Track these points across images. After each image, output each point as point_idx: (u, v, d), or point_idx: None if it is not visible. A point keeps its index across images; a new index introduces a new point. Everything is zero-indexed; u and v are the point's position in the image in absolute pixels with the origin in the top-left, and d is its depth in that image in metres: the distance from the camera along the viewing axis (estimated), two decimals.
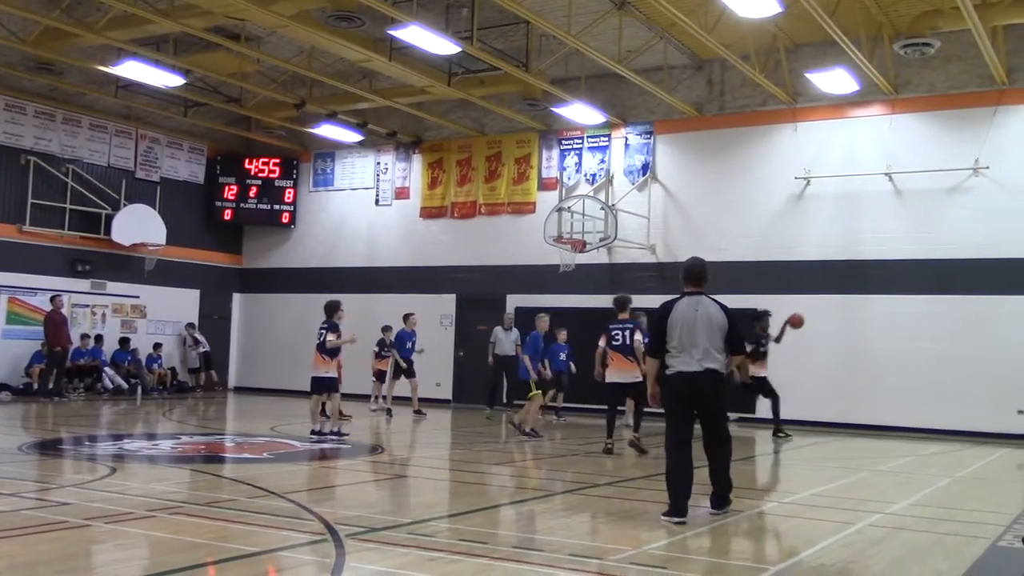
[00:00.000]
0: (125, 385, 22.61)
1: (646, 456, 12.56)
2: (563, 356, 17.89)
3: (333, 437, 13.63)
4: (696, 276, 8.14)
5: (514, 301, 22.21)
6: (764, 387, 15.87)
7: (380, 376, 19.50)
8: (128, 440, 13.58)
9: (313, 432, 13.73)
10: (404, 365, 18.51)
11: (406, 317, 18.93)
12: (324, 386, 13.95)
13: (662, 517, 7.65)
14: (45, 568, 5.69)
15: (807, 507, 9.30)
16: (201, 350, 24.52)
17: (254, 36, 19.44)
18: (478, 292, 22.74)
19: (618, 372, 12.89)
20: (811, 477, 12.14)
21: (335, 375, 14.03)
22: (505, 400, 20.11)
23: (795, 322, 15.64)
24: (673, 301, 8.08)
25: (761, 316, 16.20)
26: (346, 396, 22.42)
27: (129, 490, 8.80)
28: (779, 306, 19.01)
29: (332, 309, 13.86)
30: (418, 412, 18.55)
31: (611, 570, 5.96)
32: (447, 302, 23.20)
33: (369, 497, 9.55)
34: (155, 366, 23.61)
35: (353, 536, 6.67)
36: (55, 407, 18.76)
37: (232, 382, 26.25)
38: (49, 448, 12.52)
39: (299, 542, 6.54)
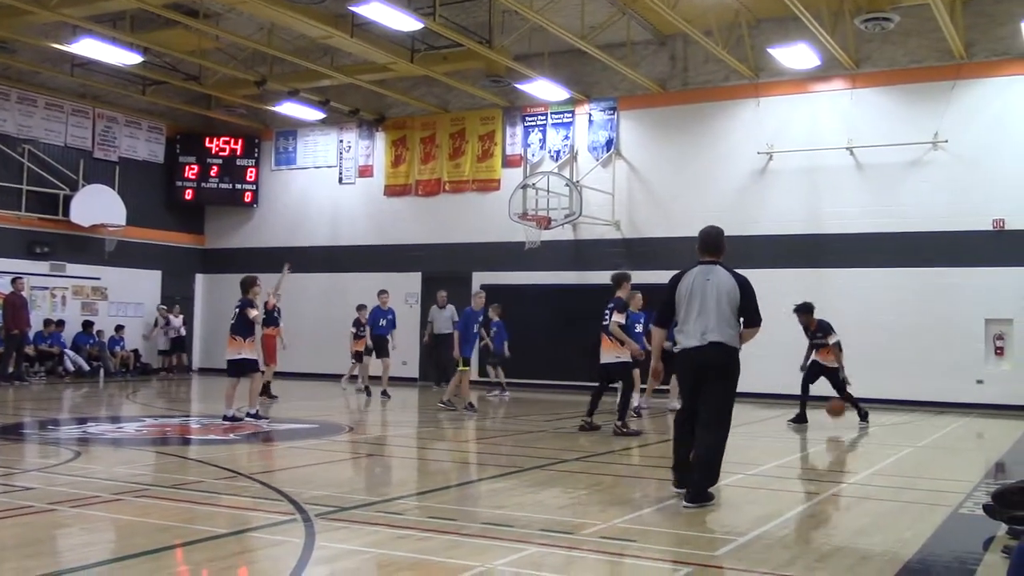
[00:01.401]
0: (87, 367, 22.36)
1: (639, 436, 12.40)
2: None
3: (250, 420, 13.04)
4: (711, 245, 7.67)
5: (480, 278, 22.18)
6: None
7: (359, 356, 19.29)
8: (92, 423, 13.44)
9: (225, 417, 12.90)
10: (371, 344, 18.46)
11: (380, 294, 18.77)
12: (240, 368, 13.16)
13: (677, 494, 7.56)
14: (11, 552, 5.63)
15: (772, 479, 9.41)
16: (172, 335, 24.33)
17: (213, 12, 19.16)
18: (443, 270, 22.69)
19: (601, 352, 12.74)
20: (774, 449, 12.26)
21: (253, 356, 13.40)
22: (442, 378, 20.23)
23: (835, 410, 14.32)
24: (684, 271, 7.67)
25: None
26: (316, 376, 22.45)
27: (94, 474, 8.72)
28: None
29: (248, 285, 13.40)
30: (384, 394, 18.43)
31: (581, 544, 6.00)
32: (412, 280, 23.14)
33: (338, 476, 9.54)
34: (118, 348, 23.36)
35: (322, 515, 6.66)
36: (16, 391, 18.52)
37: (196, 363, 26.04)
38: (11, 432, 12.36)
39: (268, 522, 6.51)
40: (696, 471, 7.35)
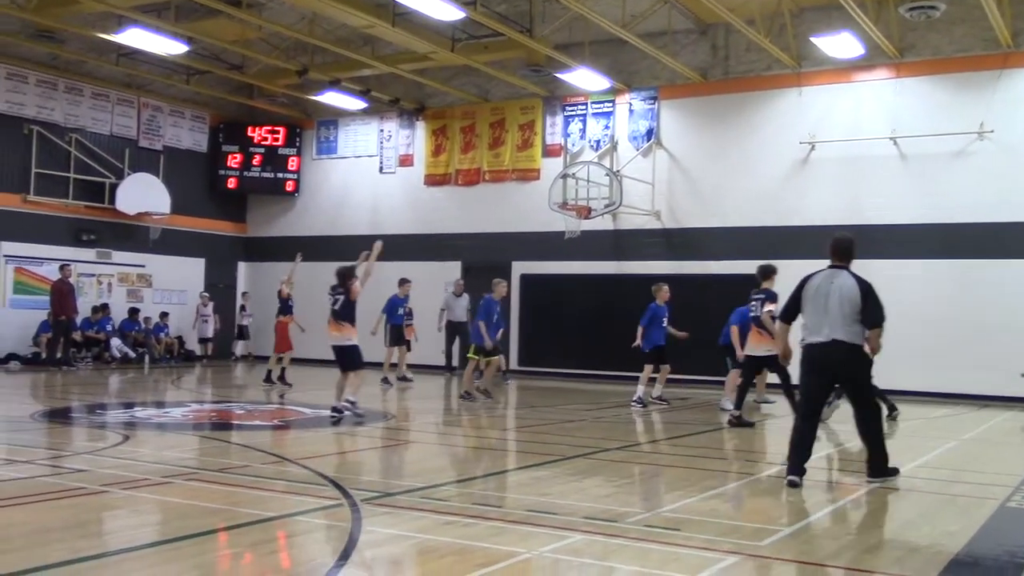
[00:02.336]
0: (133, 354, 22.69)
1: (752, 429, 12.36)
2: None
3: (347, 409, 12.17)
4: (841, 251, 8.20)
5: (519, 268, 22.24)
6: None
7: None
8: (139, 408, 13.66)
9: (334, 409, 12.14)
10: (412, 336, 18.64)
11: (401, 283, 18.76)
12: (351, 357, 12.35)
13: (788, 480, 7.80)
14: (64, 532, 5.75)
15: (817, 470, 9.35)
16: (242, 323, 24.84)
17: (256, 2, 19.30)
18: (483, 259, 22.71)
19: (750, 345, 12.82)
20: (819, 441, 12.17)
21: (356, 342, 12.48)
22: (456, 364, 20.34)
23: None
24: (811, 273, 8.17)
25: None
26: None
27: (143, 457, 8.87)
28: (785, 272, 19.07)
29: (348, 275, 12.53)
30: (403, 378, 18.48)
31: (625, 532, 6.02)
32: (452, 269, 23.19)
33: (381, 463, 9.63)
34: (162, 335, 23.68)
35: (368, 501, 6.73)
36: (63, 376, 18.85)
37: (239, 351, 26.30)
38: (60, 416, 12.61)
39: (315, 507, 6.60)
40: (870, 452, 8.17)
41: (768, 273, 12.95)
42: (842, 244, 8.20)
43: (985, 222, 17.82)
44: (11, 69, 21.29)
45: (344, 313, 12.20)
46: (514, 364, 20.68)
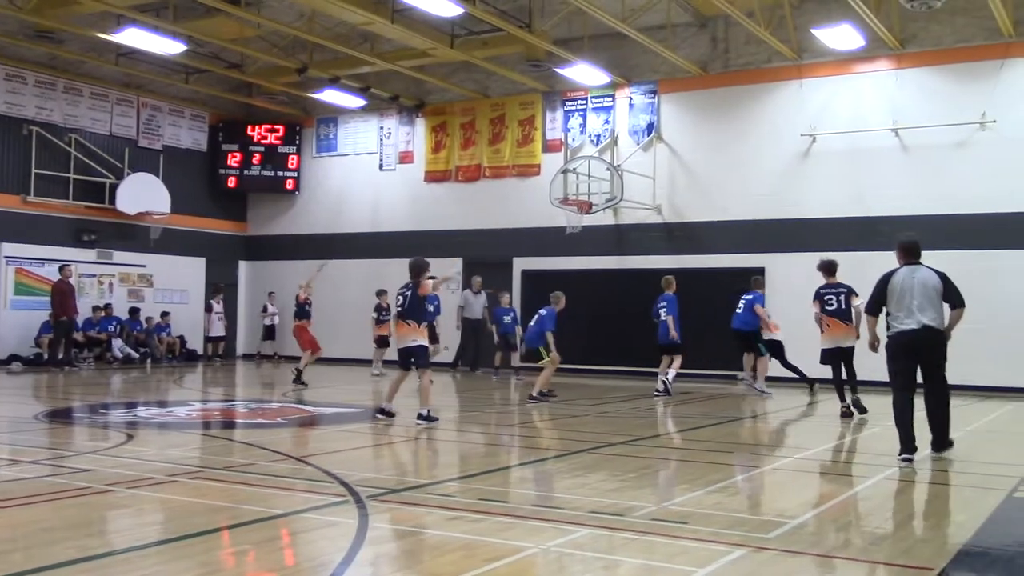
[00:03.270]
0: (135, 354, 22.68)
1: (866, 413, 12.68)
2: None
3: (422, 422, 11.37)
4: (914, 251, 9.37)
5: (521, 264, 22.21)
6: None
7: (381, 342, 19.44)
8: (142, 407, 13.65)
9: (381, 411, 11.91)
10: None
11: (501, 296, 19.49)
12: (415, 356, 11.69)
13: (898, 458, 8.67)
14: (72, 532, 5.74)
15: (823, 462, 9.36)
16: (268, 323, 24.76)
17: (254, 0, 19.27)
18: (484, 256, 22.70)
19: (833, 337, 12.91)
20: (823, 433, 12.19)
21: (426, 343, 11.87)
22: (460, 363, 20.31)
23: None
24: (892, 271, 9.24)
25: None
26: (357, 362, 22.60)
27: (147, 456, 8.85)
28: (787, 265, 19.08)
29: (420, 269, 11.87)
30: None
31: (633, 526, 6.01)
32: (453, 266, 23.14)
33: (387, 459, 9.62)
34: (163, 334, 23.66)
35: (374, 497, 6.72)
36: (66, 377, 18.83)
37: (240, 350, 26.30)
38: (63, 417, 12.59)
39: (321, 504, 6.59)
40: (937, 430, 9.16)
41: (836, 268, 13.56)
42: (914, 245, 9.40)
43: (988, 213, 17.78)
44: (10, 70, 21.25)
45: (411, 312, 11.58)
46: (518, 360, 20.65)
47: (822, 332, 13.05)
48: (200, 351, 24.71)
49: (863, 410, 12.71)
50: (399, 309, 11.71)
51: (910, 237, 9.63)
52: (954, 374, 18.12)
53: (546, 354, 14.93)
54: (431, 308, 18.15)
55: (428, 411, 11.44)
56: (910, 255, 9.34)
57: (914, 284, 8.99)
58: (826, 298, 13.04)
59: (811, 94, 19.52)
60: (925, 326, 8.89)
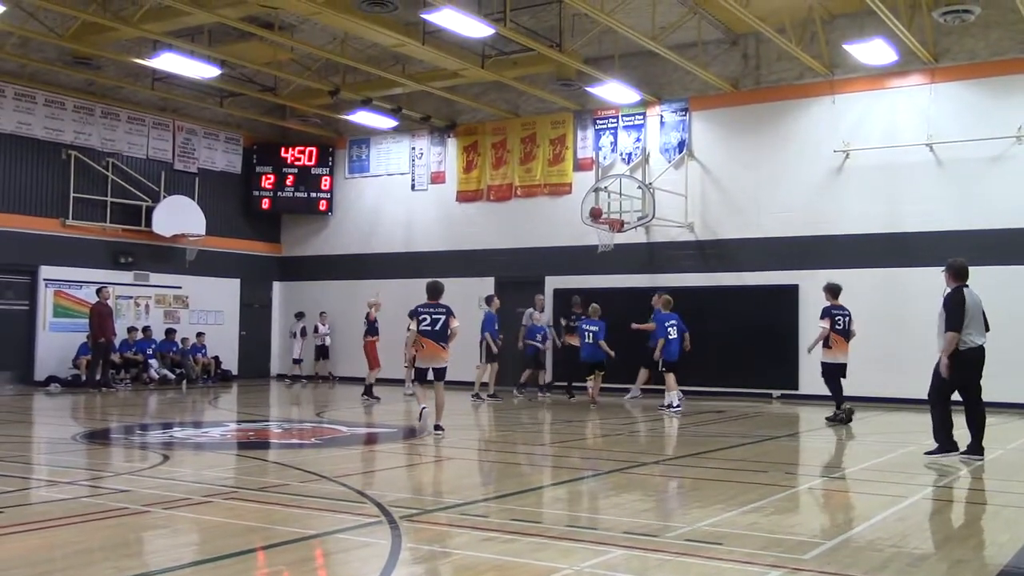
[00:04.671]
0: (171, 375, 22.89)
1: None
2: (539, 337, 19.39)
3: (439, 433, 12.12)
4: (966, 272, 10.45)
5: (553, 283, 22.20)
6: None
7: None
8: (178, 428, 13.76)
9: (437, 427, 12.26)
10: (495, 349, 18.80)
11: (489, 300, 19.29)
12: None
13: (962, 457, 10.13)
14: (109, 552, 5.80)
15: (859, 481, 9.25)
16: (318, 343, 24.63)
17: (287, 24, 19.50)
18: (517, 274, 22.72)
19: (838, 353, 14.27)
20: (860, 452, 12.05)
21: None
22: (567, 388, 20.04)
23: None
24: (960, 290, 10.26)
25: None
26: (390, 382, 22.67)
27: (183, 477, 8.92)
28: (821, 281, 18.88)
29: (440, 291, 12.51)
30: (492, 396, 18.82)
31: (667, 547, 5.97)
32: (486, 285, 23.19)
33: (421, 479, 9.62)
34: (199, 355, 23.86)
35: (407, 518, 6.72)
36: (103, 397, 19.04)
37: (274, 370, 26.48)
38: (101, 437, 12.72)
39: (354, 524, 6.60)
40: (980, 432, 10.28)
41: (836, 291, 14.75)
42: (965, 267, 10.46)
43: None
44: (49, 96, 21.63)
45: (445, 336, 12.13)
46: (550, 378, 20.62)
47: (827, 348, 14.25)
48: (234, 371, 24.91)
49: (851, 418, 14.26)
50: (430, 329, 12.07)
51: (962, 260, 10.60)
52: (992, 391, 17.91)
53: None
54: (496, 327, 18.94)
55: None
56: (964, 276, 10.39)
57: (979, 304, 10.22)
58: (836, 318, 14.24)
59: (844, 110, 19.41)
60: (983, 344, 10.19)
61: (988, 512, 7.56)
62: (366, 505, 7.26)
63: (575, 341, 18.89)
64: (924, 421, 14.55)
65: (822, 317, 14.37)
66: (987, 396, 17.09)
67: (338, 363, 24.79)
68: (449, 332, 12.06)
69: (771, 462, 10.84)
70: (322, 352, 24.75)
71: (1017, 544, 6.18)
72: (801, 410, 17.17)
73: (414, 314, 12.27)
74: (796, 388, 18.87)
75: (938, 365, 10.17)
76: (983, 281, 18.07)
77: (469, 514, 7.00)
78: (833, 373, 14.29)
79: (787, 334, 19.08)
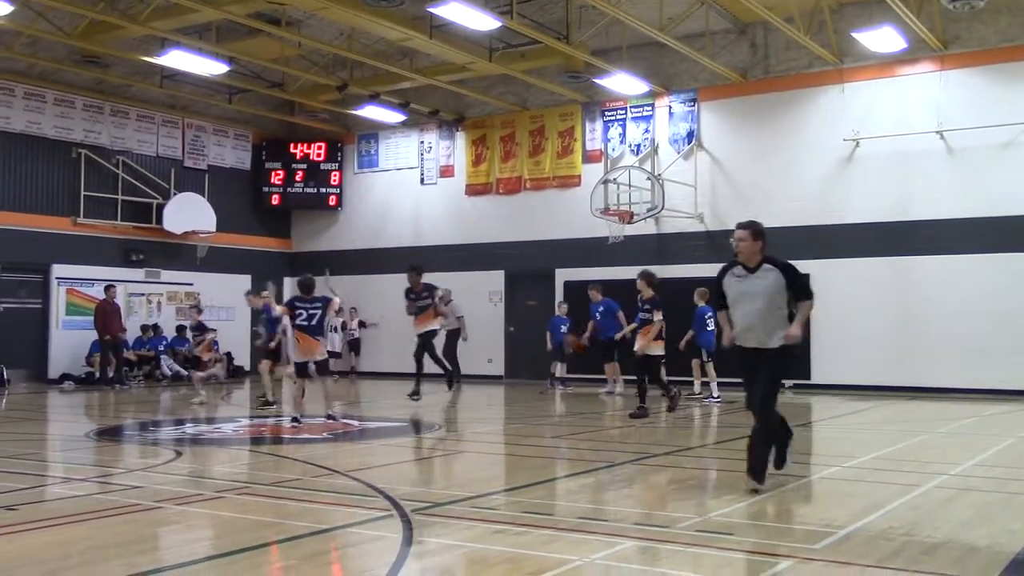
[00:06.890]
0: (183, 372, 22.97)
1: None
2: (564, 329, 19.53)
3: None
4: None
5: (563, 275, 22.19)
6: None
7: None
8: (190, 424, 13.82)
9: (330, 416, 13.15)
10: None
11: (559, 305, 20.10)
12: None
13: None
14: (122, 548, 5.84)
15: (870, 471, 9.23)
16: (349, 338, 24.32)
17: (295, 20, 19.53)
18: (527, 267, 22.74)
19: (653, 344, 14.05)
20: (872, 441, 12.02)
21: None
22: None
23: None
24: None
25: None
26: (401, 376, 22.70)
27: (195, 472, 8.98)
28: (832, 270, 18.86)
29: (313, 286, 13.23)
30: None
31: (677, 538, 5.97)
32: (496, 278, 23.23)
33: (430, 473, 9.65)
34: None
35: (419, 511, 6.74)
36: (116, 395, 19.13)
37: (352, 366, 26.39)
38: (114, 434, 12.79)
39: (366, 518, 6.62)
40: None
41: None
42: None
43: None
44: (59, 95, 21.72)
45: (321, 328, 13.00)
46: (562, 371, 20.63)
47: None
48: (246, 367, 24.97)
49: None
50: (307, 324, 12.79)
51: None
52: (1004, 379, 17.93)
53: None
54: (563, 329, 19.52)
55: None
56: None
57: None
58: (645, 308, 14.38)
59: (853, 98, 19.33)
60: None
61: (1000, 500, 7.54)
62: (378, 499, 7.28)
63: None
64: (937, 409, 14.56)
65: (656, 308, 14.05)
66: (1001, 384, 17.28)
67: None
68: (327, 321, 13.09)
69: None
70: (354, 346, 24.60)
71: None
72: (814, 400, 17.14)
73: (291, 306, 12.84)
74: (809, 378, 18.82)
75: None
76: (993, 269, 18.17)
77: (480, 507, 7.02)
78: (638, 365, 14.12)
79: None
